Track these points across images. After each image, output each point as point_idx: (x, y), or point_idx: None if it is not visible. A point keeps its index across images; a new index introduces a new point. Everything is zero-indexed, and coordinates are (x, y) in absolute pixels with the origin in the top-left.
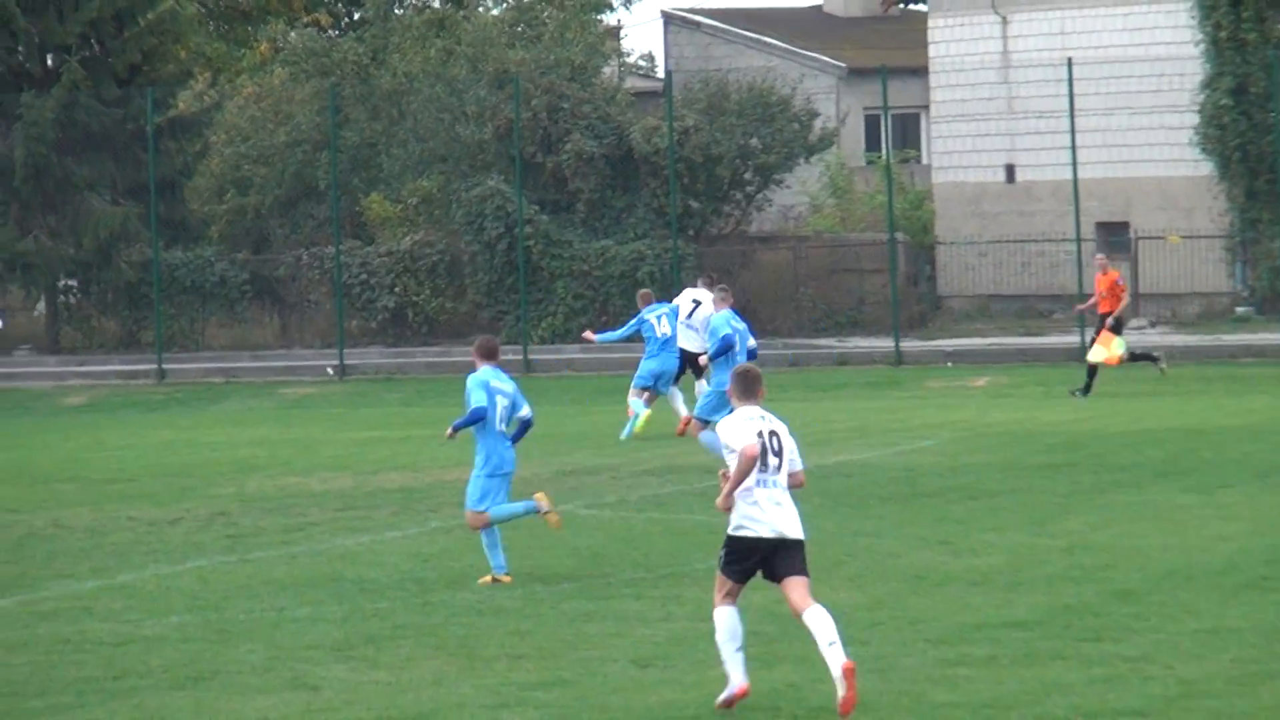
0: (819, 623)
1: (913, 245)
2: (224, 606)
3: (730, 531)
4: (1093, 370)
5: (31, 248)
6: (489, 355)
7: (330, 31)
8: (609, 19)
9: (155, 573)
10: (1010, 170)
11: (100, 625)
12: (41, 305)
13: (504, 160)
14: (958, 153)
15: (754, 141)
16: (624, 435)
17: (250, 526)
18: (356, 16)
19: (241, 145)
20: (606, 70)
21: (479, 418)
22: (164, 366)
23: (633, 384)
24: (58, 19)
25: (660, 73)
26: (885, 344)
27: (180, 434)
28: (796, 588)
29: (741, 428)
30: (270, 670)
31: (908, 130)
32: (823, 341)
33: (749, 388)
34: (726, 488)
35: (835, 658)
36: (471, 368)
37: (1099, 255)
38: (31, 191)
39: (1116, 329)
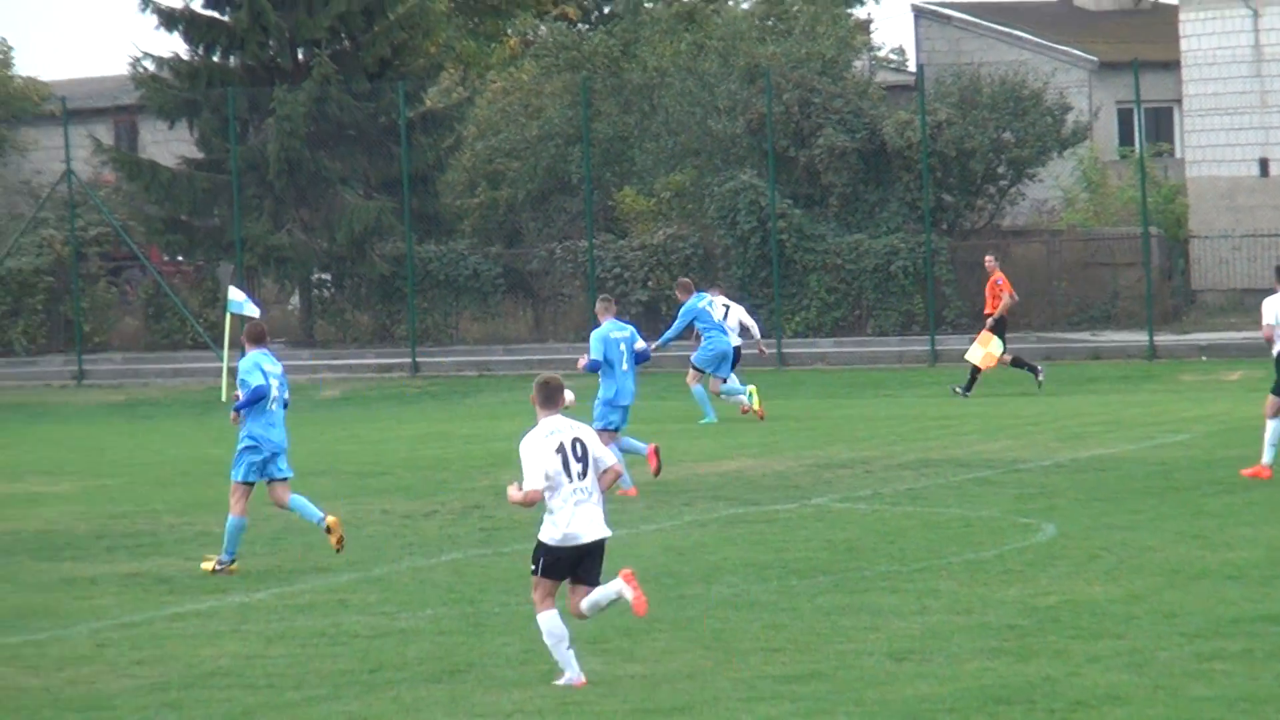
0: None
1: (1166, 239)
2: (479, 600)
3: (548, 542)
4: (975, 369)
5: (285, 241)
6: (258, 340)
7: (579, 25)
8: (859, 13)
9: (411, 565)
10: (1264, 164)
11: (356, 618)
12: (295, 299)
13: (756, 154)
14: (1211, 146)
15: (1007, 135)
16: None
17: (505, 519)
18: (606, 10)
19: (493, 139)
20: (857, 64)
21: (261, 395)
22: (418, 360)
23: (702, 369)
24: (307, 13)
25: (911, 66)
26: (1139, 338)
27: (434, 427)
28: (582, 593)
29: (540, 448)
30: (525, 663)
31: (1160, 124)
32: (1076, 335)
33: (550, 397)
34: (517, 497)
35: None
36: (243, 351)
37: (988, 256)
38: (285, 185)
39: (996, 329)
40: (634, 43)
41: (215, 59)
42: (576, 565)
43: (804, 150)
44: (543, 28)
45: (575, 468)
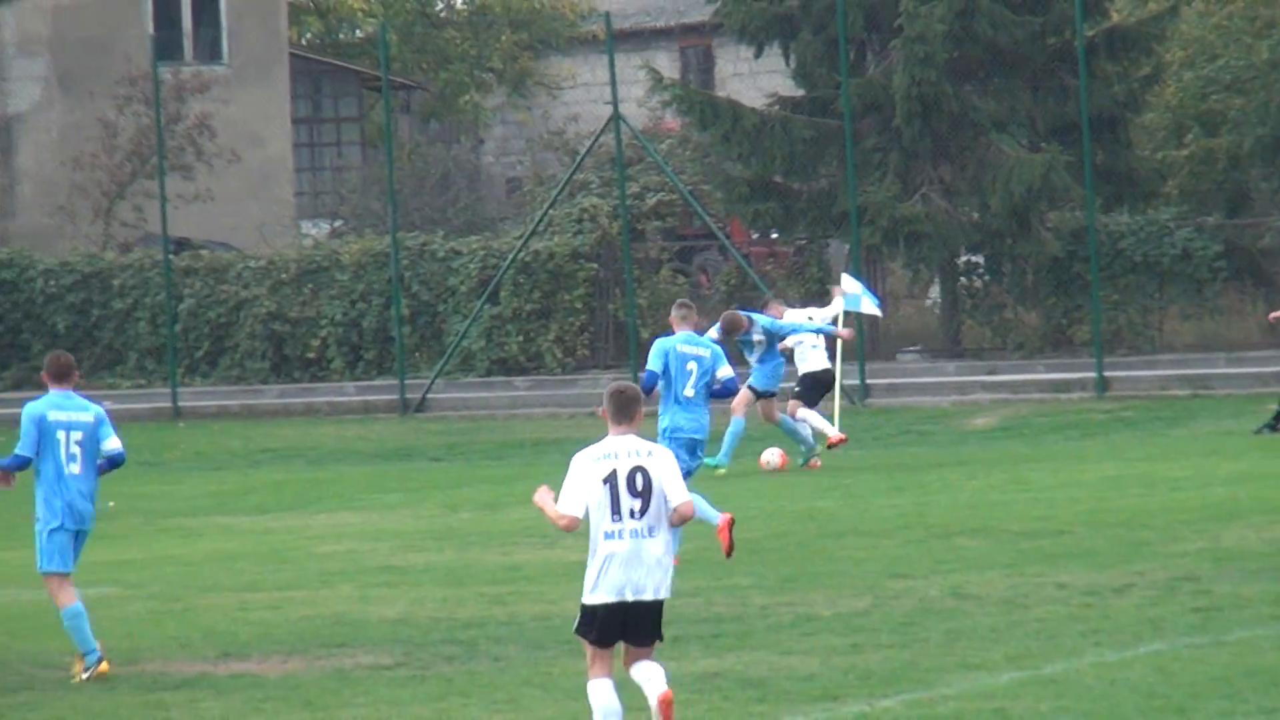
0: (656, 669)
1: None
2: (1191, 708)
3: (584, 599)
4: None
5: (920, 211)
6: (60, 376)
7: None
8: None
9: (1096, 660)
10: None
11: None
12: (935, 291)
13: None
14: None
15: None
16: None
17: (1228, 595)
18: None
19: (1206, 67)
20: None
21: (19, 464)
22: (1105, 374)
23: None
24: None
25: None
26: None
27: (1129, 468)
28: (634, 656)
29: (586, 470)
30: None
31: None
32: None
33: (624, 409)
34: (548, 508)
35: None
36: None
37: None
38: (918, 134)
39: None
40: None
41: None
42: (624, 627)
43: None
44: None
45: (628, 503)
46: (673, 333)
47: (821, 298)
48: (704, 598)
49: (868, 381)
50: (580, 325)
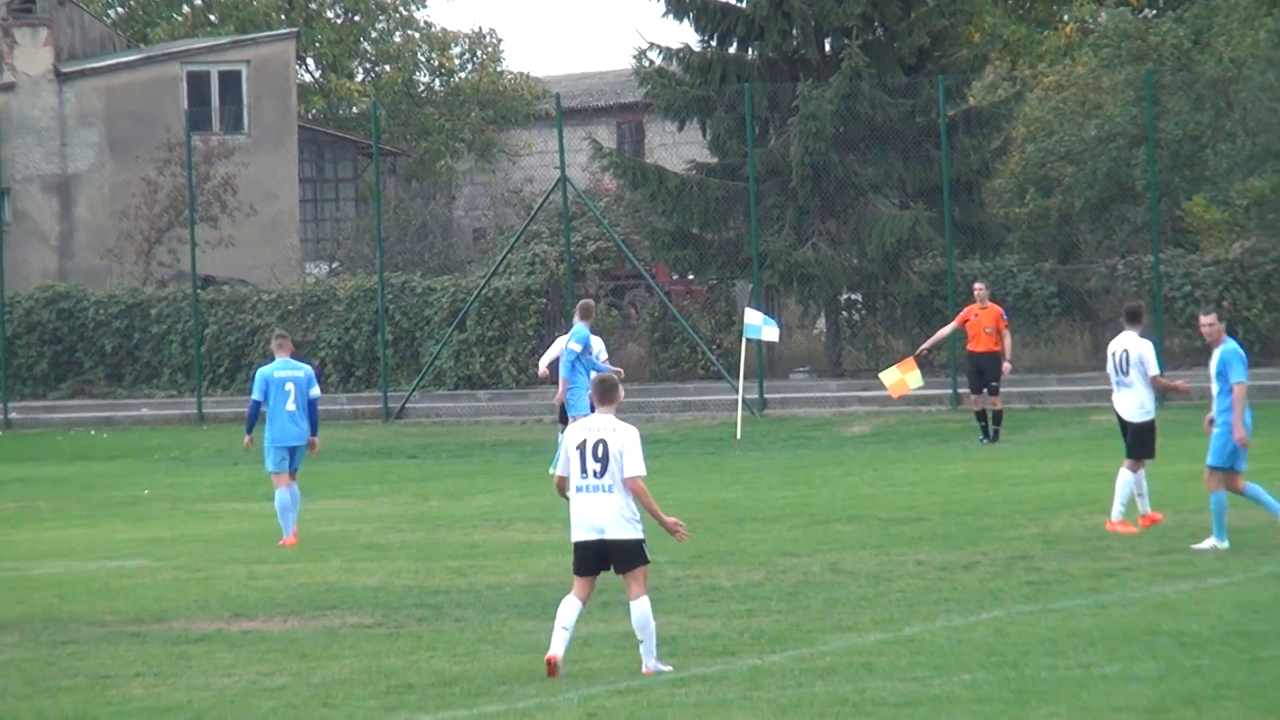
0: (638, 615)
1: None
2: (1023, 663)
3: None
4: (981, 414)
5: (810, 257)
6: None
7: (1146, 12)
8: None
9: (946, 624)
10: None
11: (883, 684)
12: (821, 322)
13: None
14: None
15: None
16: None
17: (1055, 571)
18: None
19: (1045, 141)
20: None
21: None
22: (958, 390)
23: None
24: (836, 0)
25: None
26: None
27: (977, 467)
28: (630, 580)
29: (570, 439)
30: None
31: None
32: None
33: (603, 396)
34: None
35: (646, 656)
36: None
37: (979, 284)
38: (810, 193)
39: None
40: (1207, 31)
41: (730, 50)
42: (602, 560)
43: None
44: (1103, 14)
45: (591, 465)
46: (273, 359)
47: (728, 328)
48: None
49: (765, 395)
50: (531, 349)
